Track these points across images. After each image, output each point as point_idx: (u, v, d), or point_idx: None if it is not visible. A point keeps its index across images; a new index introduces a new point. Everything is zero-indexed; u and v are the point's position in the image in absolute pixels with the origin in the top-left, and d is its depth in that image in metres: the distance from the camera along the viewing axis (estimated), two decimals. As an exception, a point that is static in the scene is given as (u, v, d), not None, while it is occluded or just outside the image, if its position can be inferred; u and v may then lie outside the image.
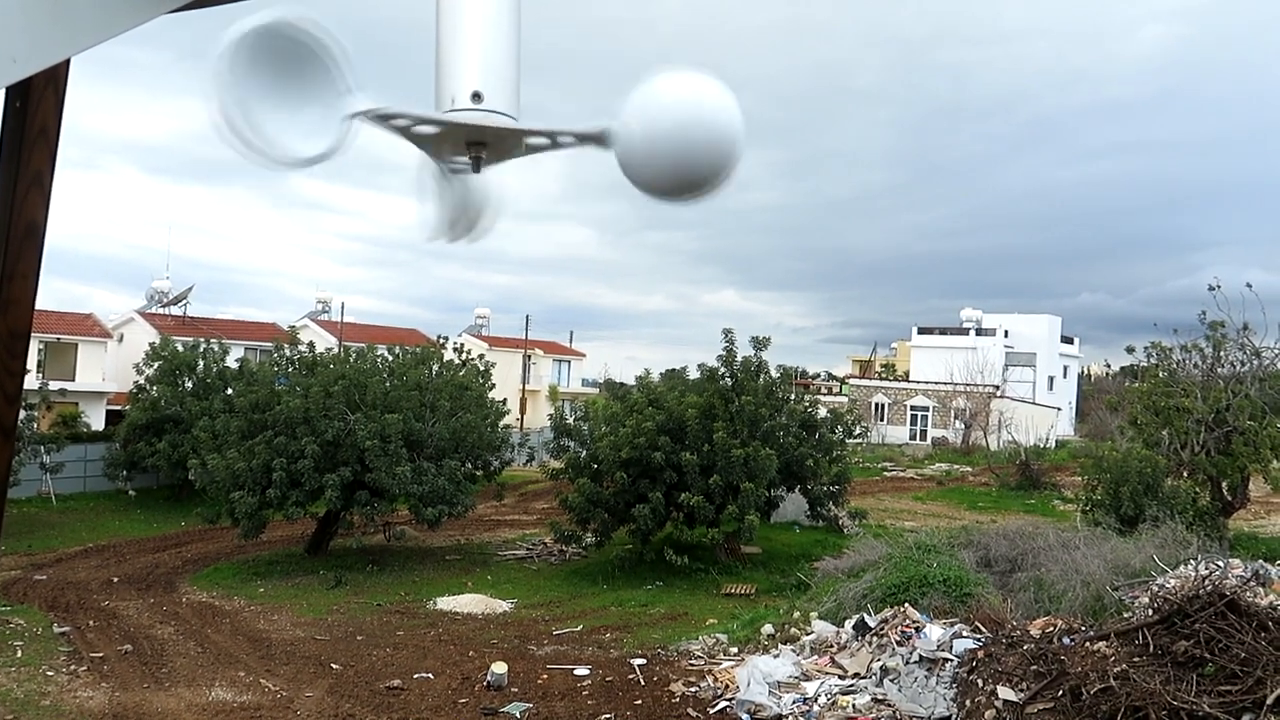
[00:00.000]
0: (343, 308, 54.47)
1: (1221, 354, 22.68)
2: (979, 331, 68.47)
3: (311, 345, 27.33)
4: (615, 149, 1.76)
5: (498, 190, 2.13)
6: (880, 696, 10.50)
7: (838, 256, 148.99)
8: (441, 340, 31.26)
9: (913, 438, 58.88)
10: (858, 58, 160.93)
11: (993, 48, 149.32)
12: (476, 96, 1.76)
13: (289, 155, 1.61)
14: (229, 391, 30.08)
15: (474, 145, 1.82)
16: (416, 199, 2.11)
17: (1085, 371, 78.58)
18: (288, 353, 25.68)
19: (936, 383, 60.93)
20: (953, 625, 11.56)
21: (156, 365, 33.50)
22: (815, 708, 10.44)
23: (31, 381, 29.98)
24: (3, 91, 2.12)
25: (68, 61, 2.23)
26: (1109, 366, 37.13)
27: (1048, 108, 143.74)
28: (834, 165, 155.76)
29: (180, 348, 34.15)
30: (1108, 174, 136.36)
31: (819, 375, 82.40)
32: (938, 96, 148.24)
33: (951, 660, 10.51)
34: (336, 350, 32.36)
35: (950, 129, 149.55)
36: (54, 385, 33.19)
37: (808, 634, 13.09)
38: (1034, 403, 60.39)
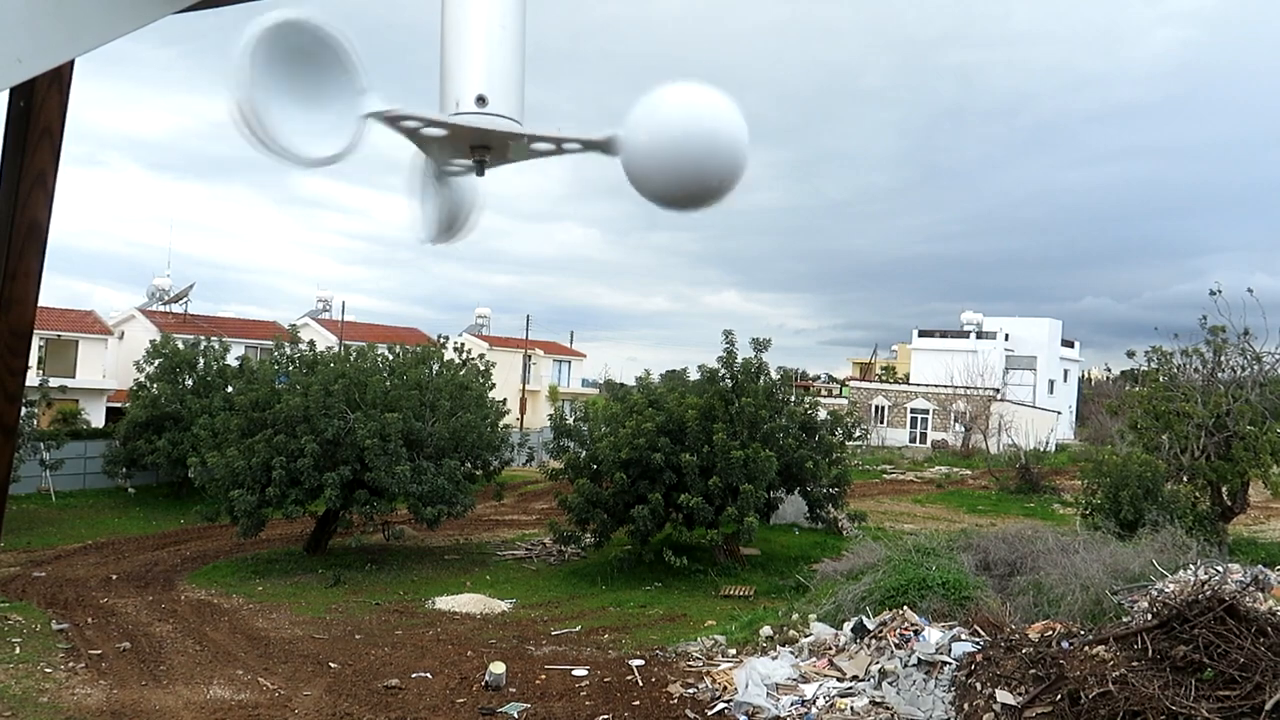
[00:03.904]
0: (343, 306, 54.68)
1: (1222, 359, 22.69)
2: (979, 334, 68.47)
3: (312, 344, 27.35)
4: (621, 156, 1.78)
5: (480, 190, 2.16)
6: (878, 699, 10.48)
7: (839, 258, 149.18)
8: (442, 340, 31.25)
9: (912, 440, 58.87)
10: (862, 59, 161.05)
11: (999, 50, 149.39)
12: (481, 100, 1.76)
13: (306, 155, 1.62)
14: (229, 389, 30.15)
15: (478, 149, 1.83)
16: (410, 199, 2.12)
17: (1085, 375, 78.56)
18: (288, 351, 25.70)
19: (937, 385, 60.92)
20: (951, 628, 11.57)
21: (157, 363, 33.53)
22: (813, 710, 10.43)
23: (32, 378, 29.97)
24: (7, 92, 2.12)
25: (72, 62, 2.23)
26: (1109, 370, 37.03)
27: (1053, 111, 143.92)
28: (836, 166, 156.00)
29: (181, 345, 34.19)
30: (1112, 178, 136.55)
31: (819, 377, 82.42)
32: (942, 99, 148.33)
33: (950, 663, 10.51)
34: (337, 349, 32.33)
35: (954, 131, 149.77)
36: (54, 382, 33.24)
37: (806, 636, 13.08)
38: (1034, 406, 60.35)
